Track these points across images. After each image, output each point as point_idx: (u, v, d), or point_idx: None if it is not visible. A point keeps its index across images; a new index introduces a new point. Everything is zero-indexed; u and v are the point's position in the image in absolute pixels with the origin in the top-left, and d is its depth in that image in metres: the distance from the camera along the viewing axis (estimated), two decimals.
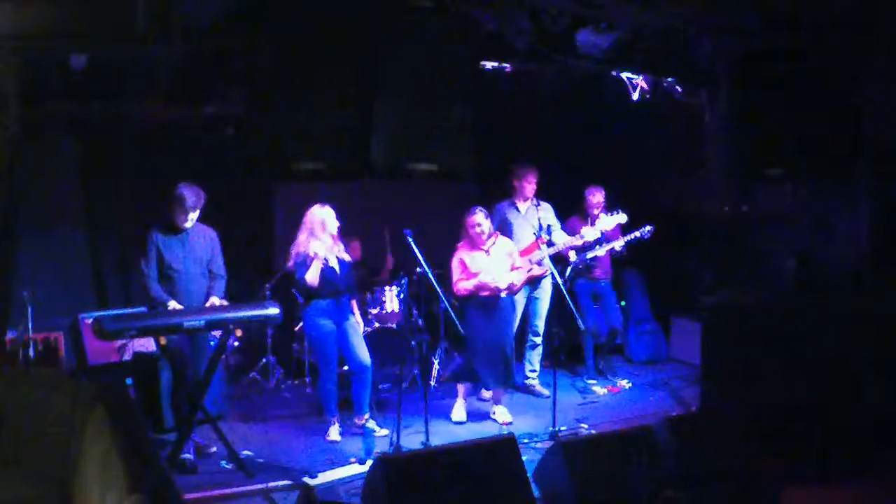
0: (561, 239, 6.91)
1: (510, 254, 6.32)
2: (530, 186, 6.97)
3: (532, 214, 6.97)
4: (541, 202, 7.07)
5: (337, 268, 5.88)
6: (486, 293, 6.15)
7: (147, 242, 5.36)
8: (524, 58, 6.94)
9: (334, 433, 5.95)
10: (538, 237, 6.76)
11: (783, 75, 6.83)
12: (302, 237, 5.86)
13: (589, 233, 6.91)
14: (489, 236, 6.24)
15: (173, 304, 5.30)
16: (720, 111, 7.32)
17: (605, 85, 7.64)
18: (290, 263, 5.88)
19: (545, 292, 7.07)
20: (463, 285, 6.14)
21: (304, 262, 5.76)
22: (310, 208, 5.92)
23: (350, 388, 6.11)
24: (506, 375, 6.24)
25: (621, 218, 7.04)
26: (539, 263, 6.80)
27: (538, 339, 7.16)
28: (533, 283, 6.96)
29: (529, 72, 7.33)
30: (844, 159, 6.69)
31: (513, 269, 6.27)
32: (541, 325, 7.13)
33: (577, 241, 6.93)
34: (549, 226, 6.98)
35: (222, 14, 5.78)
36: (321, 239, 5.80)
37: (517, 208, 6.99)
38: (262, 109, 7.24)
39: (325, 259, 5.79)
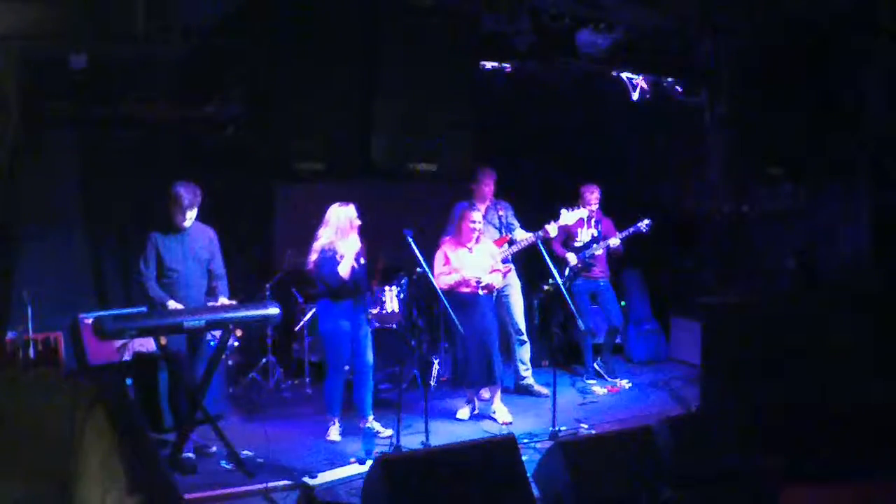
0: (521, 236, 6.90)
1: (493, 255, 6.39)
2: (488, 189, 7.00)
3: (492, 215, 7.02)
4: (499, 201, 7.09)
5: (356, 266, 5.83)
6: (465, 289, 6.17)
7: (146, 244, 5.36)
8: (524, 58, 6.95)
9: (334, 433, 5.96)
10: (503, 236, 6.79)
11: (783, 75, 6.83)
12: (325, 234, 5.79)
13: (552, 229, 6.88)
14: (479, 235, 6.29)
15: (173, 304, 5.30)
16: (720, 111, 7.33)
17: (605, 85, 7.64)
18: (313, 259, 5.79)
19: (514, 288, 7.07)
20: (444, 279, 6.19)
21: (333, 258, 5.72)
22: (332, 206, 5.86)
23: (350, 388, 6.10)
24: (489, 373, 6.23)
25: (583, 213, 7.03)
26: (505, 261, 6.80)
27: (524, 337, 7.14)
28: None
29: (529, 72, 7.33)
30: (844, 159, 6.70)
31: (492, 271, 6.31)
32: (520, 320, 7.10)
33: (532, 238, 6.88)
34: (509, 224, 7.00)
35: (222, 14, 5.78)
36: (348, 237, 5.76)
37: (477, 209, 6.97)
38: (262, 109, 7.25)
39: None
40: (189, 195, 5.33)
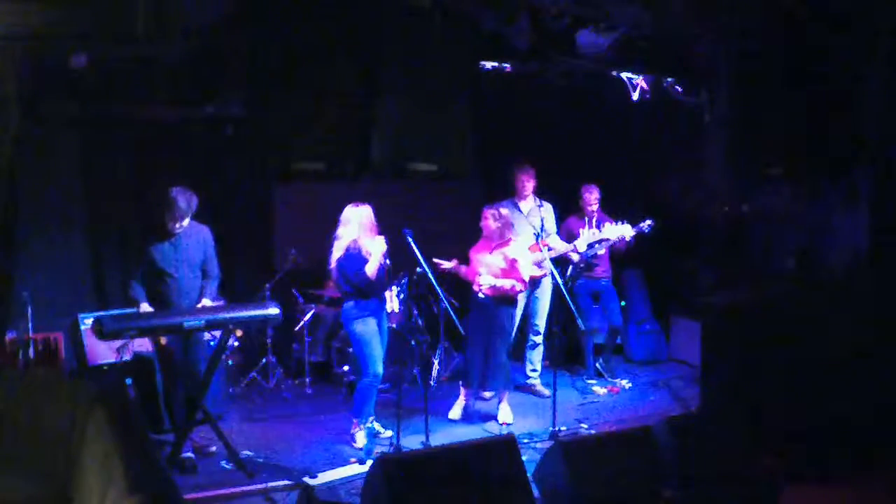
0: (556, 245, 6.87)
1: (510, 260, 6.11)
2: (528, 185, 6.95)
3: (535, 215, 6.93)
4: (543, 203, 7.04)
5: (383, 266, 5.79)
6: (479, 288, 6.16)
7: (142, 256, 5.37)
8: (524, 58, 6.95)
9: (361, 439, 5.79)
10: (540, 239, 6.75)
11: (783, 75, 6.83)
12: (347, 234, 5.69)
13: (581, 244, 6.87)
14: (500, 236, 6.18)
15: (145, 307, 5.28)
16: (720, 111, 7.33)
17: (605, 85, 7.63)
18: (337, 258, 5.68)
19: (545, 292, 7.06)
20: (461, 271, 6.24)
21: (359, 257, 5.64)
22: (348, 207, 5.76)
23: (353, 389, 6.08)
24: (491, 378, 6.19)
25: (626, 230, 6.95)
26: (539, 265, 6.76)
27: (539, 339, 7.15)
28: (533, 283, 6.93)
29: (529, 72, 7.33)
30: (844, 159, 6.70)
31: (504, 275, 6.09)
32: (541, 324, 7.12)
33: (569, 247, 6.89)
34: (546, 229, 6.95)
35: (222, 14, 5.77)
36: (371, 237, 5.71)
37: (519, 208, 6.95)
38: (262, 109, 7.26)
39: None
40: (184, 203, 5.30)
